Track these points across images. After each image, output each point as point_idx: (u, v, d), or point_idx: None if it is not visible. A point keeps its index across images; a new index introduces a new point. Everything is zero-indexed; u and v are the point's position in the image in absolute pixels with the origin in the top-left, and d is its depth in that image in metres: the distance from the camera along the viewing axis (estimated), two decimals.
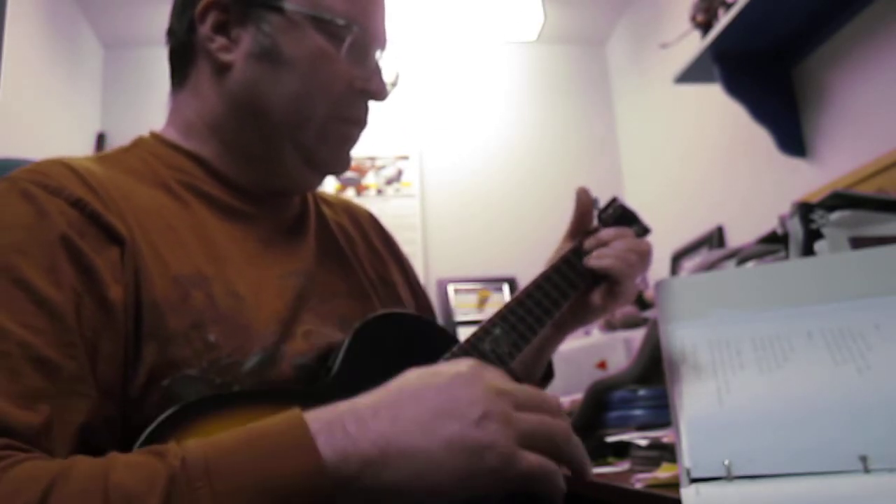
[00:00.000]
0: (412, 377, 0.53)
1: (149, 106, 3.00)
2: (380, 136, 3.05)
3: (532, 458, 0.50)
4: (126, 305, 0.59)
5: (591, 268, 0.84)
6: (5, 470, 0.45)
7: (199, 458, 0.45)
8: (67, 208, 0.59)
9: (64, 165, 0.64)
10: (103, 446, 0.50)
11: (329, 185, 3.00)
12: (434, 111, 3.15)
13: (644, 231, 0.90)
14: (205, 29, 0.72)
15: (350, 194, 3.02)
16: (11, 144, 2.24)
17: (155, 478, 0.44)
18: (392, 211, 3.01)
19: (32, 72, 2.53)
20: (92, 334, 0.56)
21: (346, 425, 0.48)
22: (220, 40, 0.72)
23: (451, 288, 2.96)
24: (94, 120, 3.01)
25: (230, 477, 0.45)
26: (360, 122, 0.77)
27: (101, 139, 2.98)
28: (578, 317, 0.88)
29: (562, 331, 0.90)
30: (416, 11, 2.95)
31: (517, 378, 0.58)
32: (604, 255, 0.84)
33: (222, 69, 0.73)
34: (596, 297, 0.85)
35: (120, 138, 2.94)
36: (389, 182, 3.08)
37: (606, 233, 0.86)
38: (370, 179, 3.07)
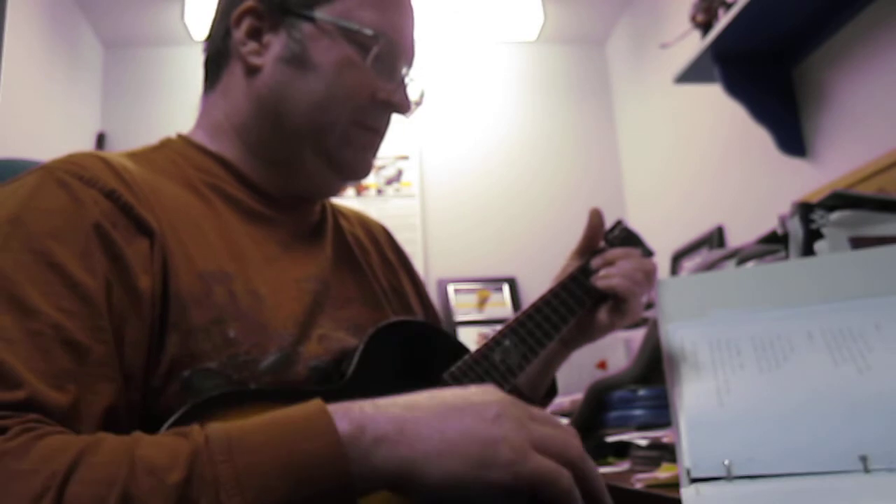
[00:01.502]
0: (427, 391, 0.54)
1: (149, 106, 3.00)
2: None
3: (544, 460, 0.51)
4: (153, 296, 0.61)
5: (598, 287, 0.85)
6: (36, 440, 0.47)
7: (222, 437, 0.47)
8: (101, 198, 0.61)
9: (98, 158, 0.66)
10: (125, 432, 0.52)
11: None
12: (434, 111, 3.15)
13: (648, 254, 0.93)
14: (239, 34, 0.76)
15: (350, 194, 3.02)
16: (11, 144, 2.24)
17: (179, 453, 0.46)
18: (392, 211, 3.01)
19: (32, 72, 2.53)
20: (120, 321, 0.58)
21: (363, 408, 0.51)
22: (252, 45, 0.76)
23: (451, 288, 2.96)
24: (94, 120, 3.01)
25: (252, 454, 0.47)
26: (379, 132, 0.80)
27: (101, 139, 2.98)
28: (585, 334, 0.90)
29: (568, 347, 0.92)
30: (416, 12, 2.95)
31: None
32: (610, 274, 0.86)
33: (252, 72, 0.76)
34: (602, 314, 0.87)
35: (120, 138, 2.96)
36: (389, 182, 3.08)
37: (613, 253, 0.88)
38: (370, 179, 3.07)
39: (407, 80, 0.80)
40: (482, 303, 2.95)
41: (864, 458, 0.50)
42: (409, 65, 0.81)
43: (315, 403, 0.51)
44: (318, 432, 0.48)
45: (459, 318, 2.90)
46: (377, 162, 3.18)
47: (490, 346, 0.75)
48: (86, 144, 2.89)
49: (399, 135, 3.08)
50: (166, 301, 0.61)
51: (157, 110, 2.94)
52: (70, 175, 0.62)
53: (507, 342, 0.75)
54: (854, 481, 0.50)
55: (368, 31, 0.74)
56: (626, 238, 0.93)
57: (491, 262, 3.01)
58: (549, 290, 0.84)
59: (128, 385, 0.58)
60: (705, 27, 1.92)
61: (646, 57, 2.88)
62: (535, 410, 0.54)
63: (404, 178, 3.08)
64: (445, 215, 3.06)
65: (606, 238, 0.92)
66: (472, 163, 3.13)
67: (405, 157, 3.10)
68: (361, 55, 0.75)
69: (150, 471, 0.45)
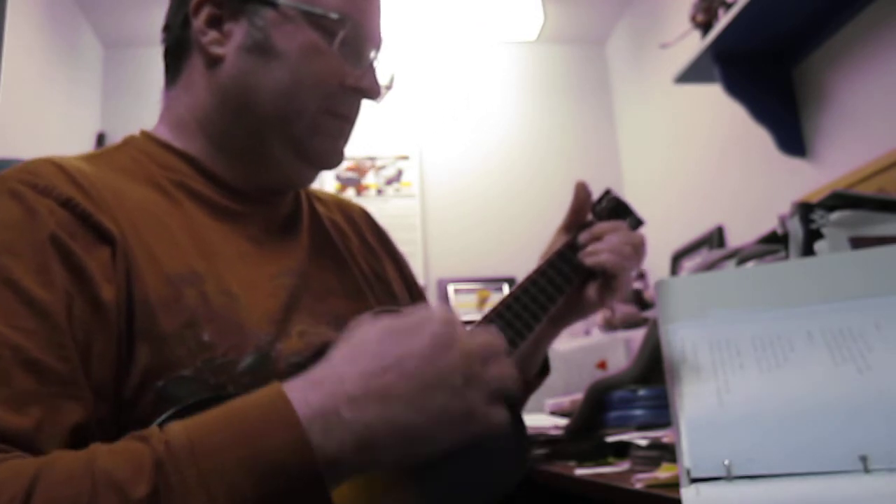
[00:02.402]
0: (389, 341, 0.53)
1: (149, 106, 2.99)
2: (380, 136, 3.05)
3: (499, 416, 0.55)
4: (118, 305, 0.58)
5: (585, 264, 0.83)
6: None
7: (184, 441, 0.46)
8: (57, 208, 0.59)
9: (53, 164, 0.63)
10: None
11: (329, 185, 3.01)
12: (434, 111, 3.15)
13: (638, 223, 0.89)
14: (198, 23, 0.73)
15: (350, 194, 3.02)
16: (11, 144, 2.24)
17: (141, 463, 0.45)
18: (392, 211, 3.01)
19: (32, 72, 2.53)
20: (84, 335, 0.56)
21: (340, 411, 0.49)
22: (213, 34, 0.73)
23: (451, 288, 2.96)
24: (94, 120, 3.01)
25: (215, 455, 0.45)
26: (349, 119, 0.77)
27: (100, 139, 2.98)
28: (574, 311, 0.88)
29: (558, 325, 0.89)
30: (417, 11, 2.95)
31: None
32: (598, 250, 0.83)
33: (214, 62, 0.73)
34: (591, 291, 0.84)
35: (120, 138, 2.95)
36: (389, 182, 3.08)
37: (600, 227, 0.85)
38: (370, 179, 3.07)
39: (375, 64, 0.77)
40: (482, 303, 2.96)
41: (864, 458, 0.50)
42: (378, 48, 0.77)
43: (273, 389, 0.50)
44: (279, 423, 0.47)
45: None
46: (377, 162, 3.20)
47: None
48: (86, 144, 2.89)
49: (399, 135, 3.08)
50: (132, 309, 0.59)
51: (157, 110, 2.93)
52: (23, 185, 0.59)
53: (493, 327, 0.74)
54: (854, 481, 0.50)
55: (334, 15, 0.71)
56: (615, 208, 0.89)
57: (491, 262, 3.01)
58: (537, 268, 0.82)
59: (98, 400, 0.56)
60: (705, 27, 1.92)
61: (646, 57, 2.88)
62: (481, 348, 0.55)
63: (404, 178, 3.08)
64: (445, 215, 3.06)
65: (594, 210, 0.89)
66: (472, 163, 3.13)
67: (405, 157, 3.10)
68: (327, 40, 0.72)
69: (114, 486, 0.43)
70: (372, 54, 0.77)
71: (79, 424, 0.53)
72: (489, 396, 0.54)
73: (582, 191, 0.89)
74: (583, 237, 0.85)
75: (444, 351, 0.52)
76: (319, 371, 0.52)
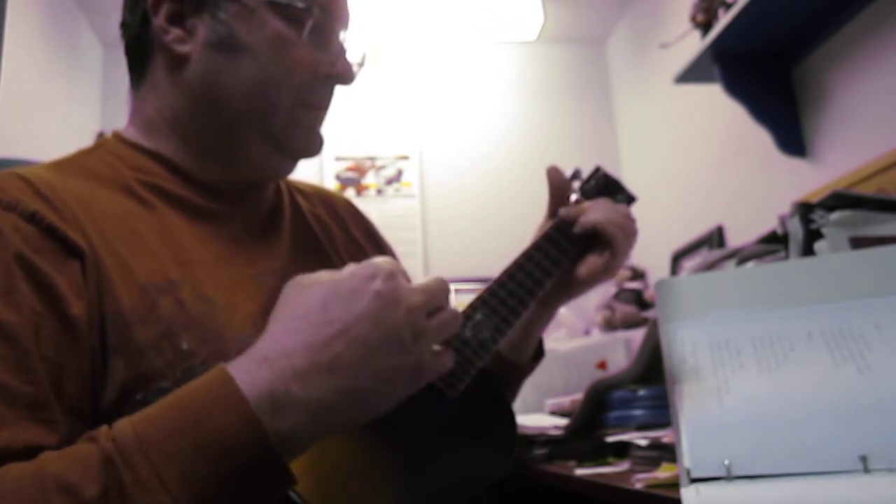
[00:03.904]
0: (333, 306, 0.52)
1: None
2: (380, 136, 3.05)
3: (447, 363, 0.58)
4: (90, 320, 0.57)
5: (580, 229, 0.81)
6: None
7: (129, 434, 0.45)
8: (22, 223, 0.57)
9: (17, 177, 0.61)
10: None
11: (330, 185, 3.00)
12: (434, 111, 3.15)
13: (630, 199, 0.87)
14: (159, 20, 0.70)
15: (350, 194, 3.02)
16: (11, 144, 2.24)
17: (90, 463, 0.44)
18: (392, 211, 3.00)
19: (32, 72, 2.53)
20: (55, 354, 0.54)
21: (289, 389, 0.48)
22: (176, 31, 0.70)
23: (451, 288, 2.96)
24: (94, 120, 3.01)
25: (164, 445, 0.45)
26: (324, 107, 0.75)
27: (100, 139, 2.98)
28: (565, 292, 0.85)
29: (549, 307, 0.87)
30: (417, 11, 2.95)
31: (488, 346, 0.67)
32: (587, 211, 0.81)
33: (179, 61, 0.70)
34: (582, 269, 0.82)
35: None
36: (389, 182, 3.08)
37: (584, 204, 0.84)
38: (370, 179, 3.07)
39: (345, 45, 0.74)
40: None
41: (864, 458, 0.50)
42: (346, 28, 0.74)
43: (217, 371, 0.49)
44: (225, 404, 0.47)
45: None
46: (377, 162, 3.19)
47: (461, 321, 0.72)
48: (86, 144, 2.89)
49: (399, 135, 3.08)
50: (105, 323, 0.57)
51: None
52: None
53: (478, 315, 0.71)
54: (854, 481, 0.50)
55: (300, 4, 0.68)
56: (606, 185, 0.86)
57: (491, 262, 2.99)
58: (523, 252, 0.80)
59: (74, 418, 0.54)
60: (705, 27, 1.92)
61: (646, 57, 2.88)
62: (424, 298, 0.55)
63: (404, 178, 3.08)
64: (445, 215, 3.06)
65: (583, 189, 0.86)
66: (472, 162, 3.13)
67: (405, 157, 3.10)
68: (295, 30, 0.69)
69: (65, 489, 0.43)
70: (341, 35, 0.74)
71: (47, 447, 0.51)
72: (436, 344, 0.55)
73: (554, 173, 0.87)
74: (568, 213, 0.83)
75: (389, 309, 0.52)
76: (263, 346, 0.51)
